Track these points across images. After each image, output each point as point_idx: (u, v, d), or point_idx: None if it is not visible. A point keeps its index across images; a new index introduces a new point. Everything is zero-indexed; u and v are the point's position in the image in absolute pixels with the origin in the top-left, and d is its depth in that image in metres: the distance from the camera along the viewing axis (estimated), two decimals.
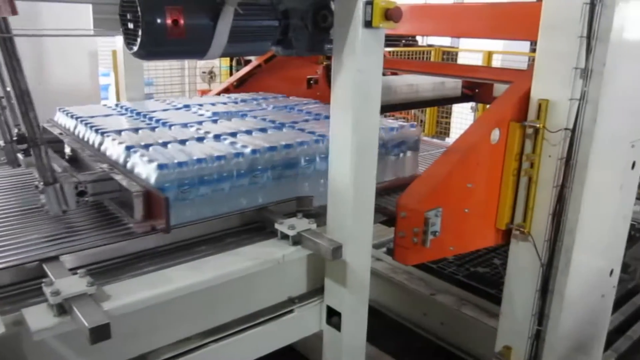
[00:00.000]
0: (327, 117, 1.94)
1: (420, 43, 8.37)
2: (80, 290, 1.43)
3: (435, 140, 4.98)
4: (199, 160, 1.89)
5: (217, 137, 2.21)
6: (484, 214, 2.19)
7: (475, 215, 2.16)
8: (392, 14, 1.57)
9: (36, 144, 1.67)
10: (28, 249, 1.71)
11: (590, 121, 1.98)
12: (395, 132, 2.41)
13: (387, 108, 3.26)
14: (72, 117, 2.57)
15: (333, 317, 1.99)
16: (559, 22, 1.99)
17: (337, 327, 1.97)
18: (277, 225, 1.86)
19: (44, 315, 1.39)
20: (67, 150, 2.52)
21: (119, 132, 2.27)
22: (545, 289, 2.20)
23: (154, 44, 1.52)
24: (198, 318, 1.79)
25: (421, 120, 7.82)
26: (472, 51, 7.35)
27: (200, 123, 2.48)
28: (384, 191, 2.29)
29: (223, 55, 1.64)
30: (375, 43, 1.65)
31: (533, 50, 2.10)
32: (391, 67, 3.39)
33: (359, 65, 1.63)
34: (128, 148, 2.03)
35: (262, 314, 1.93)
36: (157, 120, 2.51)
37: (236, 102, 3.04)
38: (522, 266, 2.25)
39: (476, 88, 3.60)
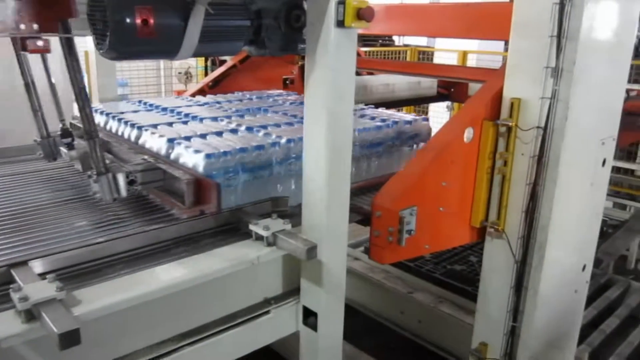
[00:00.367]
0: None
1: (396, 43, 8.41)
2: (49, 296, 1.40)
3: None
4: (241, 150, 2.10)
5: (249, 129, 2.45)
6: (458, 212, 2.21)
7: (450, 214, 2.18)
8: (364, 14, 1.57)
9: (91, 137, 1.81)
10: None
11: (561, 119, 2.01)
12: (410, 125, 2.58)
13: None
14: (101, 113, 2.75)
15: (309, 317, 1.99)
16: (529, 22, 2.01)
17: (314, 327, 1.96)
18: (251, 226, 1.85)
19: (12, 322, 1.37)
20: None
21: (154, 126, 2.46)
22: (520, 286, 2.22)
23: (123, 44, 1.50)
24: (173, 320, 1.77)
25: None
26: (447, 51, 7.43)
27: (229, 117, 2.71)
28: None
29: (195, 55, 1.62)
30: (348, 42, 1.65)
31: (507, 49, 2.12)
32: (367, 67, 3.40)
33: (331, 65, 1.63)
34: (170, 140, 2.23)
35: (238, 315, 1.92)
36: (186, 115, 2.72)
37: (251, 99, 3.26)
38: (496, 263, 2.27)
39: (451, 87, 3.64)
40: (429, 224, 2.09)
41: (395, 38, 8.47)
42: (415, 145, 2.70)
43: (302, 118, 1.83)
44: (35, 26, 1.53)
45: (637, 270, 5.31)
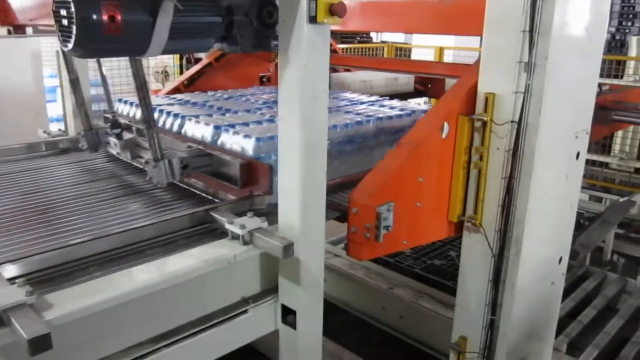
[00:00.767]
0: None
1: (374, 40, 8.42)
2: (19, 301, 1.37)
3: None
4: None
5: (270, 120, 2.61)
6: (436, 207, 2.21)
7: (428, 209, 2.18)
8: (336, 9, 1.57)
9: (150, 126, 2.03)
10: None
11: (535, 113, 2.02)
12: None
13: None
14: (137, 106, 2.80)
15: (288, 315, 1.98)
16: (502, 17, 2.02)
17: (293, 325, 1.95)
18: (227, 225, 1.83)
19: None
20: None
21: (196, 116, 2.64)
22: (498, 279, 2.24)
23: (89, 41, 1.46)
24: (150, 322, 1.75)
25: None
26: (424, 47, 7.46)
27: (259, 109, 2.90)
28: None
29: (165, 52, 1.59)
30: (321, 38, 1.64)
31: None
32: (344, 63, 3.39)
33: (304, 61, 1.62)
34: (217, 127, 2.42)
35: (215, 315, 1.89)
36: (219, 108, 2.90)
37: (271, 93, 3.37)
38: (474, 257, 2.28)
39: (428, 83, 3.65)
40: (407, 220, 2.09)
41: (373, 35, 8.47)
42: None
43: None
44: None
45: (613, 261, 5.41)
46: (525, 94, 2.01)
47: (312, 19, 1.58)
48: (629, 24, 5.89)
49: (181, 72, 5.64)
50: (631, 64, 5.50)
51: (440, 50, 6.98)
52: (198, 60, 3.61)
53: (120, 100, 3.03)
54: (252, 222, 1.84)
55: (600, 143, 5.55)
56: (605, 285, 3.80)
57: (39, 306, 1.42)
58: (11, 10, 3.32)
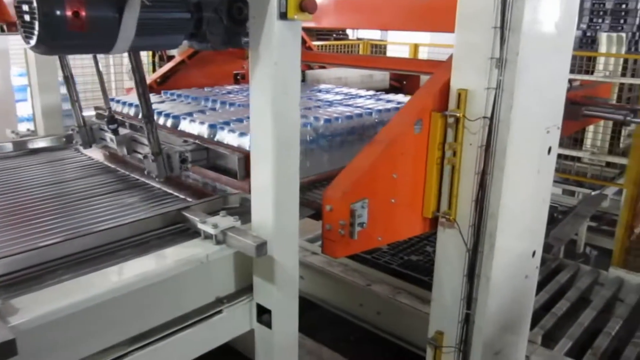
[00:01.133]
0: None
1: (350, 37, 8.43)
2: None
3: None
4: None
5: None
6: (410, 203, 2.22)
7: (402, 205, 2.19)
8: (306, 6, 1.55)
9: (149, 121, 2.04)
10: None
11: (506, 109, 2.04)
12: None
13: None
14: (129, 105, 2.89)
15: (263, 314, 1.96)
16: (473, 14, 2.03)
17: (268, 324, 1.94)
18: (200, 225, 1.81)
19: None
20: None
21: (190, 114, 2.66)
22: (472, 274, 2.25)
23: (53, 37, 1.42)
24: (122, 325, 1.71)
25: None
26: (399, 44, 7.49)
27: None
28: None
29: (132, 49, 1.56)
30: (292, 35, 1.63)
31: None
32: (319, 60, 3.38)
33: (275, 58, 1.60)
34: (212, 126, 2.45)
35: (189, 316, 1.87)
36: (214, 101, 2.91)
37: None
38: (449, 252, 2.30)
39: (404, 80, 3.66)
40: (381, 216, 2.09)
41: (349, 33, 8.48)
42: None
43: None
44: None
45: (586, 254, 5.52)
46: (497, 89, 2.03)
47: (283, 15, 1.56)
48: (600, 20, 6.00)
49: (154, 70, 5.55)
50: (601, 60, 5.60)
51: (415, 47, 7.02)
52: (171, 58, 3.56)
53: (112, 99, 2.99)
54: (224, 221, 1.82)
55: (572, 138, 5.65)
56: (578, 277, 3.87)
57: (4, 311, 1.39)
58: None
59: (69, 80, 2.50)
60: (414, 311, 3.15)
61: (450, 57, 2.16)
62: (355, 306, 3.44)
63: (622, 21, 5.92)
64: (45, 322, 1.44)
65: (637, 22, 5.89)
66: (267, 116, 1.67)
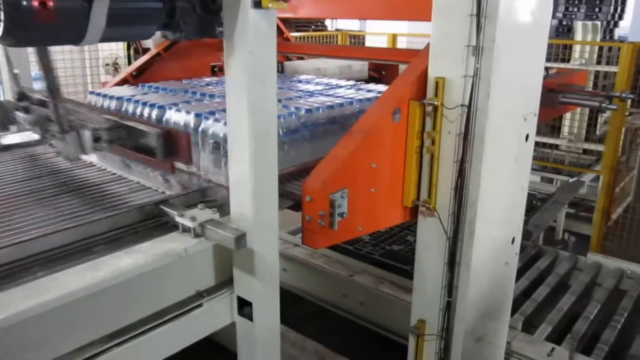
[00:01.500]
0: None
1: (329, 28, 8.40)
2: None
3: None
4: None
5: None
6: (390, 192, 2.22)
7: (382, 195, 2.19)
8: None
9: (55, 95, 1.91)
10: None
11: (484, 97, 2.04)
12: None
13: None
14: (110, 97, 2.83)
15: (245, 307, 1.95)
16: (450, 1, 2.03)
17: (249, 317, 1.93)
18: (177, 218, 1.79)
19: None
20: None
21: (176, 104, 2.58)
22: (453, 261, 2.27)
23: (19, 29, 1.37)
24: (99, 321, 1.68)
25: None
26: (377, 34, 7.49)
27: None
28: None
29: (103, 40, 1.52)
30: (266, 24, 1.60)
31: None
32: (296, 51, 3.36)
33: (250, 47, 1.58)
34: (198, 115, 2.38)
35: (169, 311, 1.84)
36: (194, 93, 2.88)
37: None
38: (429, 241, 2.30)
39: (382, 70, 3.66)
40: (362, 206, 2.09)
41: (328, 24, 8.46)
42: None
43: None
44: None
45: (564, 240, 5.61)
46: (474, 77, 2.03)
47: (257, 4, 1.54)
48: (575, 9, 6.07)
49: (129, 63, 5.47)
50: (577, 48, 5.67)
51: (394, 38, 7.02)
52: (146, 50, 3.50)
53: (92, 93, 2.93)
54: (203, 214, 1.80)
55: (550, 125, 5.72)
56: (557, 263, 3.92)
57: None
58: None
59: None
60: (397, 300, 3.17)
61: (428, 46, 2.15)
62: (339, 297, 3.45)
63: (597, 10, 6.01)
64: (19, 320, 1.41)
65: (611, 10, 5.98)
66: (243, 106, 1.65)
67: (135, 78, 3.27)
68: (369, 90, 3.04)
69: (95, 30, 1.46)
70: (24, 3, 1.35)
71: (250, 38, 1.58)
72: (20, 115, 2.34)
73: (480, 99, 2.05)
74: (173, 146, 2.05)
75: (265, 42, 1.63)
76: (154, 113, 2.59)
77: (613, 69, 5.32)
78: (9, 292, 1.48)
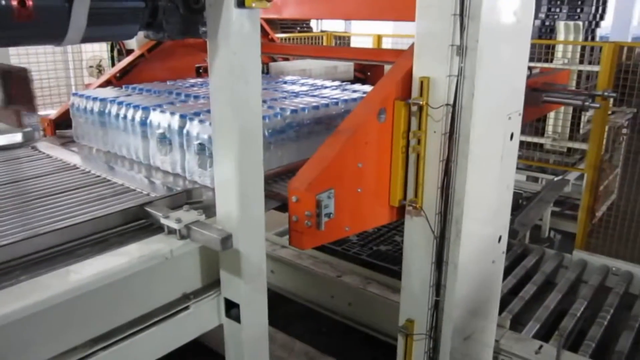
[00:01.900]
0: None
1: (315, 30, 8.41)
2: None
3: None
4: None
5: None
6: (377, 192, 2.22)
7: (369, 194, 2.18)
8: None
9: None
10: None
11: (468, 96, 2.05)
12: None
13: None
14: (94, 99, 2.80)
15: (232, 309, 1.93)
16: (433, 1, 2.04)
17: (237, 318, 1.91)
18: (163, 220, 1.77)
19: None
20: None
21: (160, 105, 2.56)
22: (440, 261, 2.27)
23: None
24: (84, 325, 1.66)
25: None
26: (362, 35, 7.51)
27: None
28: None
29: (85, 40, 1.50)
30: (250, 23, 1.59)
31: None
32: (282, 52, 3.35)
33: (234, 47, 1.57)
34: (183, 116, 2.36)
35: (155, 314, 1.83)
36: (178, 94, 2.87)
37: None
38: (417, 241, 2.31)
39: (368, 71, 3.66)
40: (348, 206, 2.09)
41: (313, 25, 8.46)
42: None
43: None
44: None
45: (550, 238, 5.66)
46: (458, 77, 2.04)
47: (240, 3, 1.53)
48: (557, 10, 6.13)
49: (113, 65, 5.42)
50: (560, 48, 5.73)
51: (379, 39, 7.04)
52: (130, 51, 3.47)
53: (75, 94, 2.89)
54: (188, 215, 1.78)
55: (534, 125, 5.77)
56: (544, 261, 3.96)
57: None
58: None
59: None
60: (385, 301, 3.17)
61: (412, 46, 2.16)
62: (327, 298, 3.44)
63: (579, 10, 6.08)
64: (1, 324, 1.38)
65: (592, 10, 6.05)
66: (227, 107, 1.64)
67: (119, 79, 3.24)
68: (355, 91, 3.04)
69: (76, 29, 1.44)
70: (3, 2, 1.32)
71: (234, 37, 1.57)
72: None
73: (465, 98, 2.06)
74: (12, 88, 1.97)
75: (249, 41, 1.62)
76: (138, 114, 2.55)
77: (595, 68, 5.38)
78: None
